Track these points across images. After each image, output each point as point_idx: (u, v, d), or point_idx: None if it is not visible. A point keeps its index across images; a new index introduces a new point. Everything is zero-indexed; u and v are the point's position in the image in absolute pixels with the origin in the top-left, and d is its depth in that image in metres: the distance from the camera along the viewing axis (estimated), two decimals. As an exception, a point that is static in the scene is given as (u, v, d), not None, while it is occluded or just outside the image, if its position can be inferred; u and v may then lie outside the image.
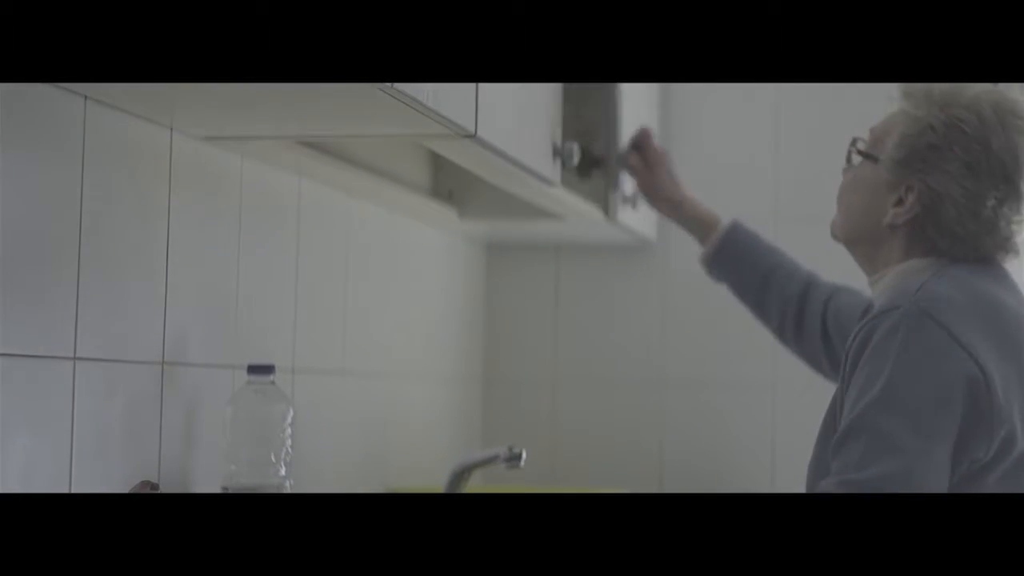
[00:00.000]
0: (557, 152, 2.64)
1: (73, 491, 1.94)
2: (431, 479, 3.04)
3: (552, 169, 2.61)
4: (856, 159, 2.08)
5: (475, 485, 2.55)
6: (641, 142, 2.79)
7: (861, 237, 2.07)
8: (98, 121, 1.99)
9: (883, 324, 1.88)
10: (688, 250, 3.70)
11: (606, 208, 3.09)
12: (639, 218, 3.38)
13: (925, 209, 1.98)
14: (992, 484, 1.87)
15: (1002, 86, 2.02)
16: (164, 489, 2.05)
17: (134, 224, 2.10)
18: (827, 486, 1.87)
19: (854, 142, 2.09)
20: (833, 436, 1.91)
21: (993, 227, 1.97)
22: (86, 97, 1.96)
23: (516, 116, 2.37)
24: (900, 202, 2.00)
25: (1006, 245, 2.00)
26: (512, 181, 2.63)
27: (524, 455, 2.38)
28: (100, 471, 2.00)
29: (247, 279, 2.42)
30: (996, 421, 1.85)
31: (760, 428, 3.51)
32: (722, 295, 3.64)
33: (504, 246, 3.69)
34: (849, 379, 1.91)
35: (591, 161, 2.94)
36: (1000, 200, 1.96)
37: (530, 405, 3.66)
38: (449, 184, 3.07)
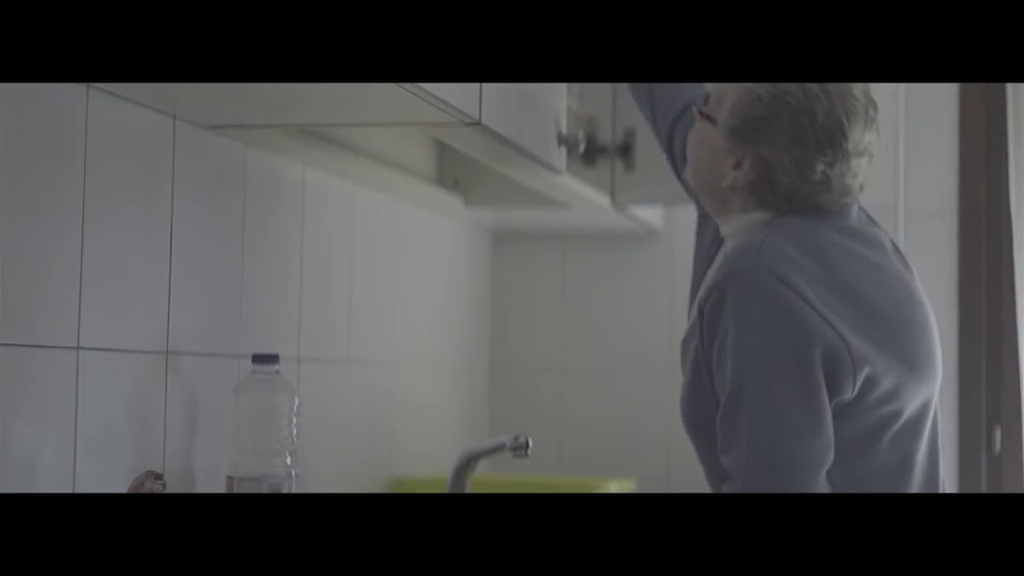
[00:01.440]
0: (562, 140, 2.63)
1: (77, 481, 1.93)
2: (437, 468, 3.03)
3: (558, 157, 2.60)
4: (698, 116, 2.15)
5: (481, 474, 2.54)
6: None
7: (707, 190, 2.15)
8: (101, 110, 1.98)
9: (733, 288, 1.98)
10: (694, 238, 3.70)
11: (612, 196, 3.08)
12: (646, 207, 3.37)
13: (759, 175, 2.06)
14: (862, 416, 1.98)
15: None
16: (169, 479, 2.05)
17: (138, 213, 2.09)
18: (730, 488, 1.96)
19: (703, 100, 2.16)
20: (703, 388, 2.02)
21: (826, 186, 2.05)
22: (88, 86, 1.95)
23: (521, 104, 2.36)
24: (738, 166, 2.08)
25: (842, 197, 2.08)
26: (517, 169, 2.62)
27: (530, 444, 2.37)
28: (104, 461, 2.00)
29: (251, 268, 2.41)
30: (854, 365, 1.95)
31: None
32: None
33: (510, 234, 3.68)
34: (710, 342, 1.99)
35: (597, 149, 2.92)
36: (829, 163, 2.04)
37: (536, 394, 3.66)
38: (455, 172, 3.06)
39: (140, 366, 2.09)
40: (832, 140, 2.03)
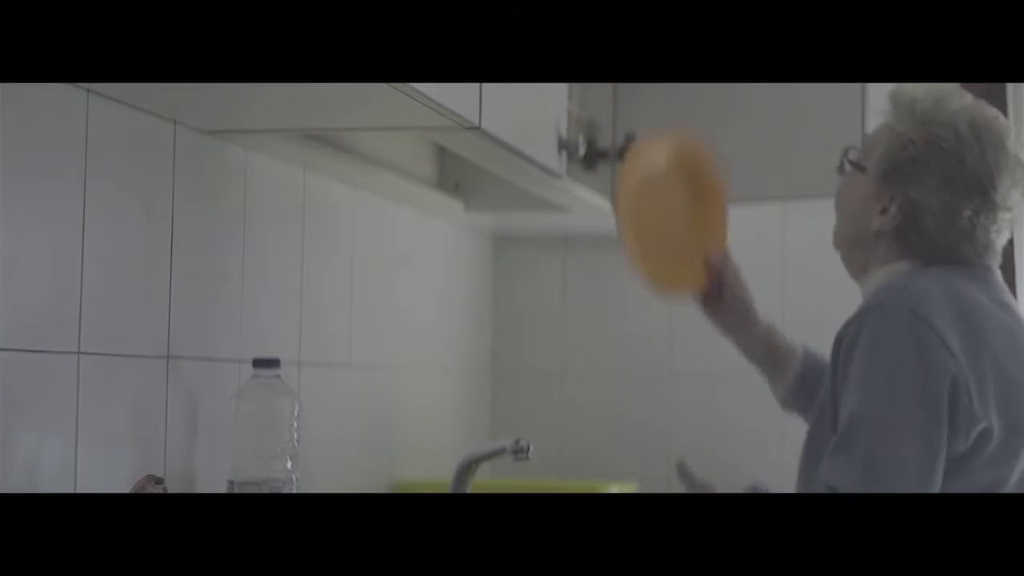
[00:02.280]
0: (563, 144, 2.63)
1: (78, 486, 1.93)
2: (438, 472, 3.03)
3: (558, 161, 2.61)
4: (848, 168, 2.17)
5: (482, 478, 2.54)
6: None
7: (852, 242, 2.16)
8: (101, 115, 1.98)
9: (871, 321, 1.98)
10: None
11: (613, 200, 3.08)
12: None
13: (906, 218, 2.08)
14: (970, 473, 1.96)
15: (982, 99, 2.12)
16: (169, 483, 2.05)
17: (138, 217, 2.09)
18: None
19: (846, 152, 2.19)
20: (824, 428, 2.02)
21: (971, 235, 2.07)
22: (88, 91, 1.95)
23: (521, 108, 2.36)
24: (884, 211, 2.10)
25: (985, 251, 2.10)
26: (518, 173, 2.62)
27: (531, 447, 2.37)
28: (105, 466, 2.00)
29: (252, 272, 2.41)
30: (973, 418, 1.95)
31: (768, 420, 3.49)
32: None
33: (511, 238, 3.68)
34: (844, 373, 1.99)
35: (597, 153, 2.92)
36: (976, 211, 2.06)
37: (537, 397, 3.65)
38: (455, 176, 3.06)
39: (141, 370, 2.09)
40: (980, 186, 2.05)
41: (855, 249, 2.16)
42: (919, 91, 2.11)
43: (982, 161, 2.05)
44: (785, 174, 3.14)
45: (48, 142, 1.88)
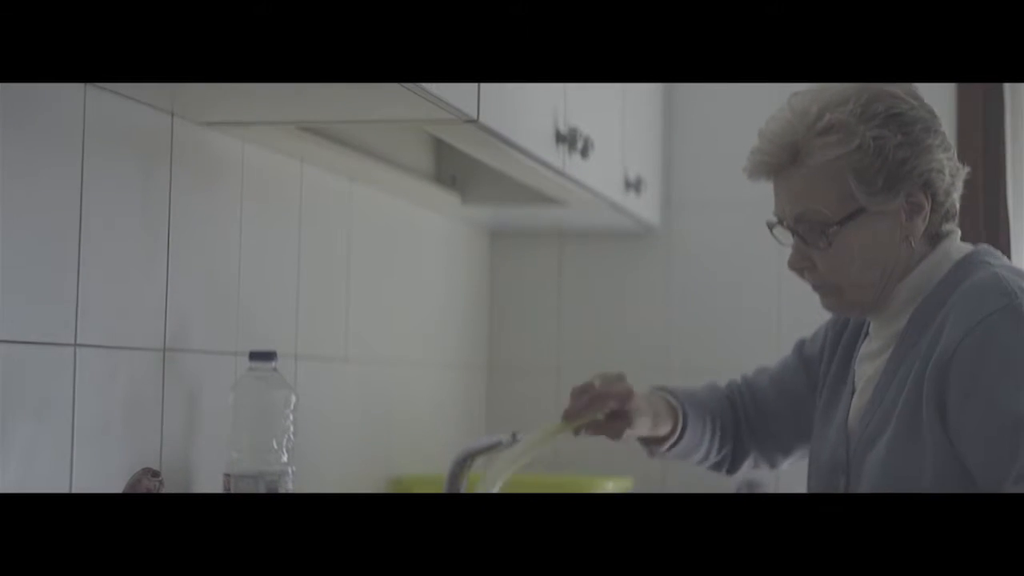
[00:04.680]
0: (560, 138, 2.63)
1: (74, 478, 1.93)
2: (434, 466, 3.03)
3: (555, 155, 2.61)
4: (833, 229, 1.96)
5: (478, 472, 2.54)
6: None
7: (888, 282, 2.00)
8: (98, 106, 1.98)
9: (1003, 324, 1.86)
10: (692, 236, 3.71)
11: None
12: (642, 204, 3.37)
13: (927, 192, 1.97)
14: None
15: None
16: (166, 476, 2.05)
17: (135, 210, 2.09)
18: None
19: (805, 226, 1.98)
20: (911, 433, 1.90)
21: (955, 180, 2.00)
22: (86, 83, 1.95)
23: (518, 101, 2.36)
24: (910, 212, 1.97)
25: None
26: (515, 167, 2.62)
27: (527, 442, 2.37)
28: (101, 458, 1.99)
29: (249, 265, 2.41)
30: None
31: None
32: (725, 282, 3.64)
33: (507, 232, 3.68)
34: (967, 390, 1.86)
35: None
36: (947, 150, 1.99)
37: (534, 392, 3.65)
38: (452, 169, 3.06)
39: (137, 363, 2.09)
40: (934, 123, 2.00)
41: (889, 287, 1.99)
42: (807, 111, 1.97)
43: (921, 105, 1.99)
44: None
45: (46, 133, 1.88)
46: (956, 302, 1.93)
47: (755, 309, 3.57)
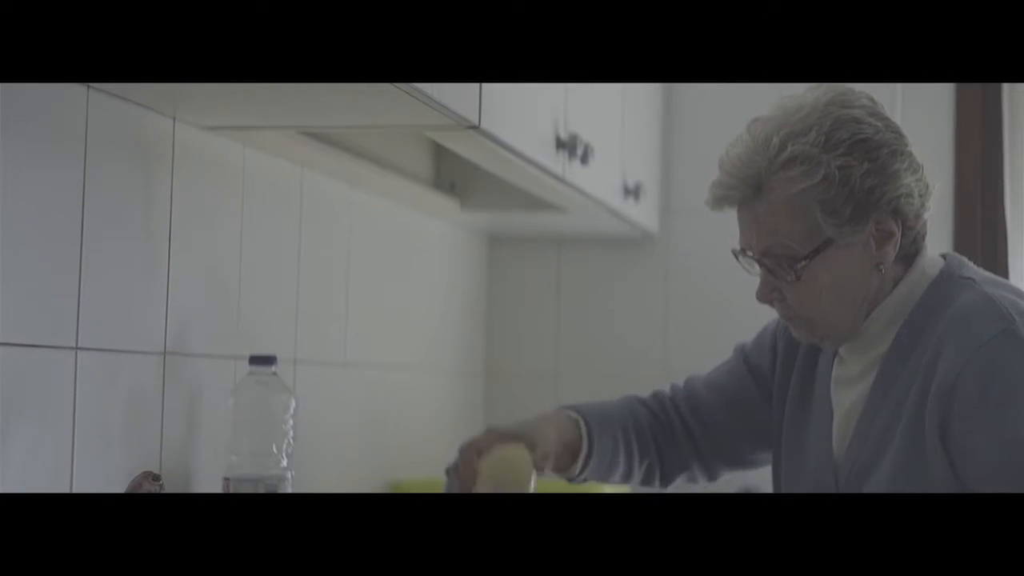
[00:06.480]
0: (560, 144, 2.63)
1: (74, 481, 1.93)
2: (432, 471, 3.03)
3: (555, 161, 2.61)
4: (802, 264, 1.91)
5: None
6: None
7: (860, 311, 1.96)
8: (100, 110, 1.98)
9: (1008, 349, 1.85)
10: (690, 243, 3.71)
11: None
12: (641, 211, 3.38)
13: (896, 218, 1.92)
14: None
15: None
16: (166, 480, 2.05)
17: (136, 214, 2.09)
18: None
19: (773, 260, 1.93)
20: (913, 462, 1.88)
21: (924, 200, 1.95)
22: (88, 86, 1.95)
23: (519, 107, 2.36)
24: (880, 239, 1.93)
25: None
26: (515, 173, 2.62)
27: (525, 448, 2.36)
28: (102, 461, 2.00)
29: (249, 269, 2.42)
30: None
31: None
32: (723, 288, 3.64)
33: (506, 238, 3.68)
34: (971, 413, 1.84)
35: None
36: (915, 171, 1.93)
37: (532, 398, 3.65)
38: (452, 175, 3.06)
39: (138, 366, 2.09)
40: (901, 143, 1.93)
41: (860, 304, 1.95)
42: (769, 141, 1.91)
43: (890, 126, 1.93)
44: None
45: (48, 137, 1.88)
46: (950, 328, 1.89)
47: (753, 316, 3.56)
